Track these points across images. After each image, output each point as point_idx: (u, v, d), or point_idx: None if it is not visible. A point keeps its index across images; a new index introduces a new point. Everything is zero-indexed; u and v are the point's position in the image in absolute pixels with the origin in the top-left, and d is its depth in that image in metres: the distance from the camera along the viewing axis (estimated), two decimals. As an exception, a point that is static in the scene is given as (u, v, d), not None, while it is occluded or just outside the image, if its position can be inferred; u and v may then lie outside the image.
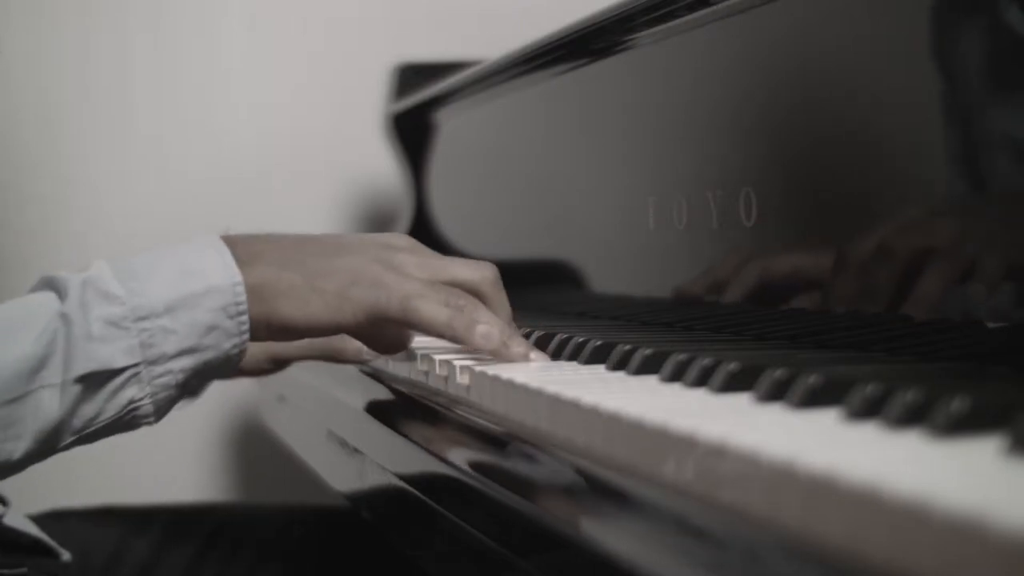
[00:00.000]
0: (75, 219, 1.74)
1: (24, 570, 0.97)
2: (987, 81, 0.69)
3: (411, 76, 1.62)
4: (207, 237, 0.82)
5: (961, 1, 0.71)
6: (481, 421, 0.75)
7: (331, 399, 1.06)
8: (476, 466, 0.71)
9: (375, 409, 0.94)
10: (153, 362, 0.78)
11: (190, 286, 0.79)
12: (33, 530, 1.01)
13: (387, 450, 0.87)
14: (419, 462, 0.79)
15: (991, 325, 0.66)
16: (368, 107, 1.72)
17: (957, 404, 0.47)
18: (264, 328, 0.82)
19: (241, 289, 0.80)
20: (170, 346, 0.78)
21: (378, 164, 1.75)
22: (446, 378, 0.85)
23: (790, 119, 0.87)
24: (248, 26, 1.81)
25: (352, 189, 1.84)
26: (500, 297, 0.86)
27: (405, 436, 0.83)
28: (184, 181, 1.78)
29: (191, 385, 0.81)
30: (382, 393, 0.97)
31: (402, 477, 0.83)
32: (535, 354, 0.83)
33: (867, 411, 0.52)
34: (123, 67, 1.76)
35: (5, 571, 0.96)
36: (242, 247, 0.82)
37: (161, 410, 0.80)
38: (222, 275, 0.80)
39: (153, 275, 0.79)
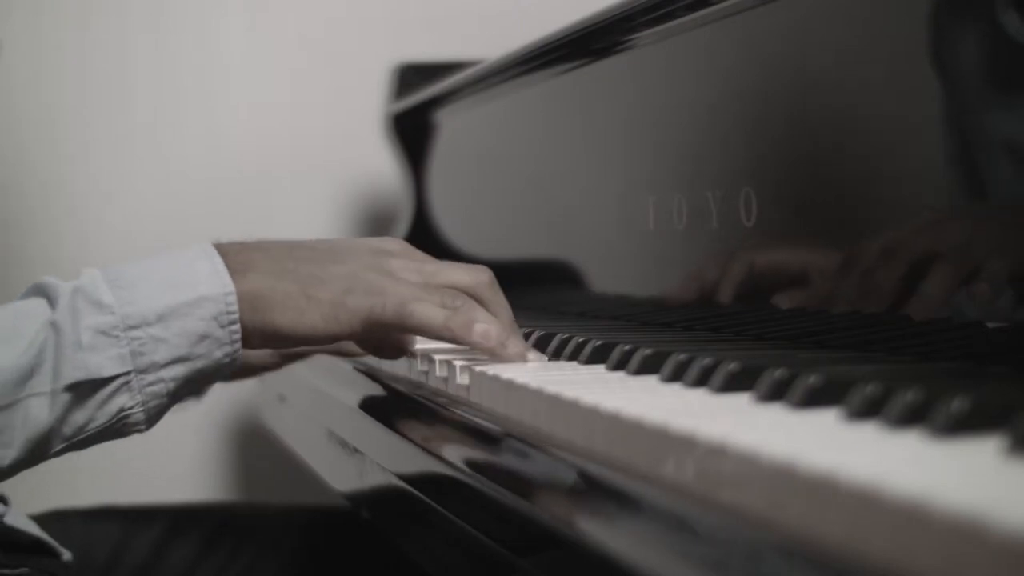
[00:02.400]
0: (75, 219, 1.74)
1: (25, 570, 0.97)
2: (986, 83, 0.69)
3: (411, 76, 1.62)
4: (200, 245, 0.82)
5: (960, 2, 0.71)
6: (481, 421, 0.75)
7: (331, 399, 1.06)
8: (476, 466, 0.71)
9: (375, 409, 0.94)
10: (144, 371, 0.78)
11: (182, 295, 0.79)
12: (34, 530, 1.01)
13: (387, 450, 0.87)
14: (419, 462, 0.79)
15: (991, 325, 0.66)
16: (368, 107, 1.72)
17: (957, 404, 0.47)
18: (258, 337, 0.82)
19: (233, 299, 0.80)
20: (161, 355, 0.78)
21: (378, 164, 1.75)
22: (446, 378, 0.85)
23: (790, 119, 0.87)
24: (248, 26, 1.81)
25: (352, 189, 1.84)
26: (498, 299, 0.86)
27: (405, 436, 0.83)
28: (184, 181, 1.78)
29: (182, 393, 0.81)
30: (382, 393, 0.97)
31: (402, 477, 0.83)
32: (532, 354, 0.83)
33: (867, 411, 0.52)
34: (123, 67, 1.76)
35: (6, 571, 0.96)
36: (234, 256, 0.81)
37: (152, 418, 0.80)
38: (214, 284, 0.80)
39: (144, 283, 0.79)
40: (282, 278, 0.81)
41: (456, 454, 0.75)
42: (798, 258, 0.85)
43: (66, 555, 1.02)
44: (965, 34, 0.69)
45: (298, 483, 1.44)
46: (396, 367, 0.97)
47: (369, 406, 0.96)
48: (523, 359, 0.82)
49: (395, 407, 0.92)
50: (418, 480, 0.80)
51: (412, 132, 1.59)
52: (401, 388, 0.94)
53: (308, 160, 1.82)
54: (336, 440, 1.03)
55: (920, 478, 0.40)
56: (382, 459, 0.88)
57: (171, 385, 0.79)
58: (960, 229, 0.71)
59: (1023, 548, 0.34)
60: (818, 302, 0.82)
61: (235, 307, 0.80)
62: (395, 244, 0.87)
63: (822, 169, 0.84)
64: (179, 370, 0.79)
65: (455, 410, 0.80)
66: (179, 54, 1.79)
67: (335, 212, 1.83)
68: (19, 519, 1.01)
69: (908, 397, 0.50)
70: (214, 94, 1.80)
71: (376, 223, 1.82)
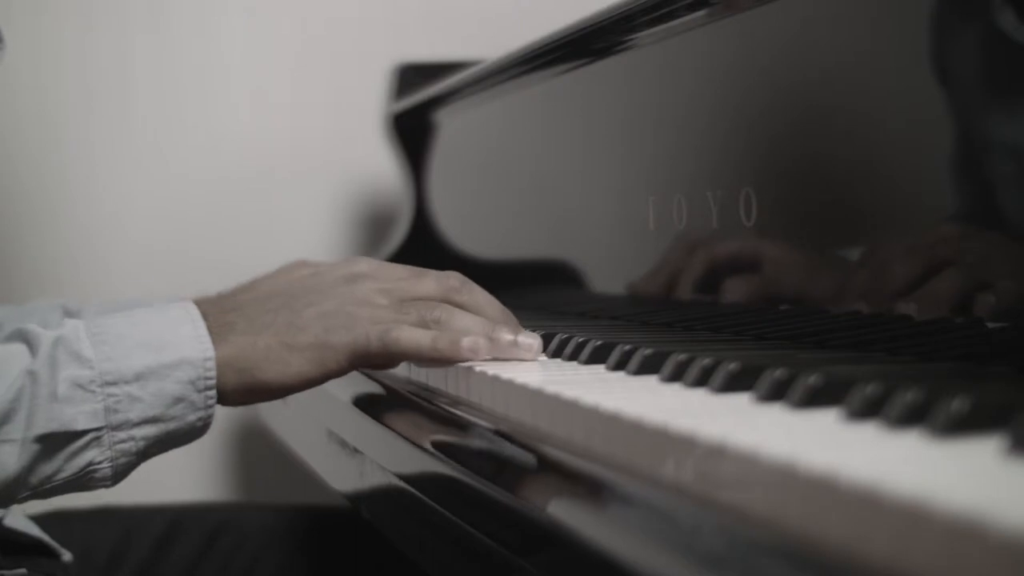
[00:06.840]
0: (75, 219, 1.74)
1: (23, 570, 0.97)
2: (986, 84, 0.69)
3: (411, 76, 1.62)
4: (183, 305, 0.83)
5: (961, 3, 0.71)
6: (481, 421, 0.75)
7: (331, 399, 1.06)
8: (476, 466, 0.71)
9: (375, 409, 0.94)
10: (116, 427, 0.79)
11: (161, 356, 0.80)
12: (34, 531, 1.01)
13: (387, 450, 0.87)
14: (419, 462, 0.79)
15: (991, 325, 0.66)
16: (368, 107, 1.72)
17: (957, 404, 0.47)
18: (245, 395, 0.83)
19: (212, 364, 0.80)
20: (135, 413, 0.79)
21: (378, 164, 1.75)
22: (446, 378, 0.85)
23: (790, 119, 0.88)
24: (248, 26, 1.81)
25: (352, 189, 1.84)
26: (474, 298, 0.86)
27: (404, 436, 0.83)
28: (184, 181, 1.78)
29: (151, 452, 0.81)
30: (382, 393, 0.97)
31: (402, 477, 0.83)
32: (523, 336, 0.83)
33: (867, 411, 0.52)
34: (123, 67, 1.76)
35: (6, 572, 0.96)
36: (214, 317, 0.82)
37: (119, 474, 0.81)
38: (194, 348, 0.80)
39: (126, 340, 0.80)
40: (261, 333, 0.82)
41: (456, 454, 0.75)
42: (798, 257, 0.85)
43: (66, 556, 1.02)
44: (964, 34, 0.69)
45: (298, 483, 1.43)
46: (396, 368, 0.97)
47: (369, 406, 0.96)
48: (515, 345, 0.82)
49: (395, 407, 0.92)
50: (418, 480, 0.80)
51: (412, 132, 1.59)
52: (401, 388, 0.94)
53: (308, 160, 1.82)
54: (336, 440, 1.03)
55: (920, 478, 0.40)
56: (382, 459, 0.88)
57: (141, 444, 0.80)
58: (961, 227, 0.71)
59: (1023, 548, 0.34)
60: (818, 302, 0.82)
61: (213, 373, 0.80)
62: (365, 264, 0.87)
63: (822, 169, 0.84)
64: (151, 430, 0.80)
65: (455, 410, 0.80)
66: (179, 54, 1.79)
67: (335, 212, 1.83)
68: (19, 520, 1.01)
69: (908, 397, 0.50)
70: (214, 94, 1.80)
71: (376, 223, 1.82)
